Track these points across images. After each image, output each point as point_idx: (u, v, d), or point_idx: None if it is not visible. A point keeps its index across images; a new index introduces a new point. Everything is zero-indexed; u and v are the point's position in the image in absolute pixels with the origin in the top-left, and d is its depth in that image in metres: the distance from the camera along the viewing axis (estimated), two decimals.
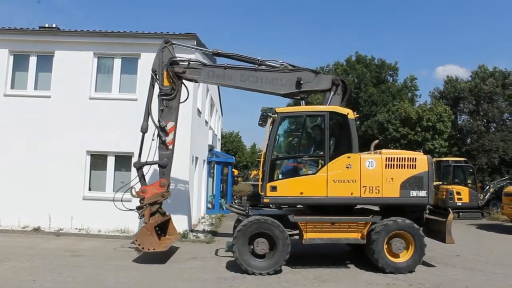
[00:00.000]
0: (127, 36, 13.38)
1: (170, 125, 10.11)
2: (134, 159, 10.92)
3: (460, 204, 19.29)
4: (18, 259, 9.13)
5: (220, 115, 28.13)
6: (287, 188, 8.82)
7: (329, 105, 9.81)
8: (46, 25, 14.83)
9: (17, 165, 12.96)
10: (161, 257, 9.84)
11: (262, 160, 9.06)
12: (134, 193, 9.91)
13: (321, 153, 9.13)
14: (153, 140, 10.02)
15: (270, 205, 9.61)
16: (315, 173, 9.02)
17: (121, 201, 10.16)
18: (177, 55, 10.47)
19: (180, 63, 10.26)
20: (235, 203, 18.67)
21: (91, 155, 13.40)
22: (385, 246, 8.73)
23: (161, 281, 7.88)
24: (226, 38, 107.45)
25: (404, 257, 8.83)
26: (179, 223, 12.53)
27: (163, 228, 10.20)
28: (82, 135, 13.05)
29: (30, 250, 10.14)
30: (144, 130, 10.14)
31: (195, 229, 14.05)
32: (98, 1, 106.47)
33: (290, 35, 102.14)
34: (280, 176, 9.45)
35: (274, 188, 8.79)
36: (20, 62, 13.78)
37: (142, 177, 10.17)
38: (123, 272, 8.45)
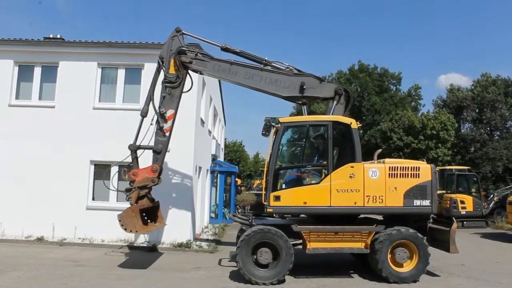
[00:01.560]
0: (131, 46, 13.52)
1: (170, 112, 10.14)
2: None
3: (464, 213, 19.22)
4: (22, 269, 9.13)
5: (223, 125, 28.23)
6: (291, 198, 8.82)
7: (332, 114, 9.79)
8: (51, 36, 14.97)
9: (21, 174, 12.98)
10: (163, 266, 9.85)
11: (265, 169, 9.03)
12: (125, 175, 9.88)
13: (325, 162, 9.11)
14: (151, 125, 10.05)
15: (274, 215, 9.59)
16: (318, 183, 9.00)
17: (114, 185, 10.24)
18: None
19: (188, 53, 10.32)
20: (238, 212, 18.70)
21: (95, 164, 13.44)
22: (389, 256, 8.70)
23: None
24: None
25: (408, 267, 8.78)
26: (182, 232, 12.57)
27: (152, 215, 10.10)
28: (86, 144, 13.10)
29: (33, 260, 10.14)
30: (143, 114, 10.17)
31: (199, 238, 14.02)
32: (101, 12, 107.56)
33: (292, 43, 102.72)
34: (283, 186, 9.46)
35: (277, 198, 8.78)
36: (25, 72, 13.90)
37: (135, 160, 10.09)
38: (126, 282, 8.45)
